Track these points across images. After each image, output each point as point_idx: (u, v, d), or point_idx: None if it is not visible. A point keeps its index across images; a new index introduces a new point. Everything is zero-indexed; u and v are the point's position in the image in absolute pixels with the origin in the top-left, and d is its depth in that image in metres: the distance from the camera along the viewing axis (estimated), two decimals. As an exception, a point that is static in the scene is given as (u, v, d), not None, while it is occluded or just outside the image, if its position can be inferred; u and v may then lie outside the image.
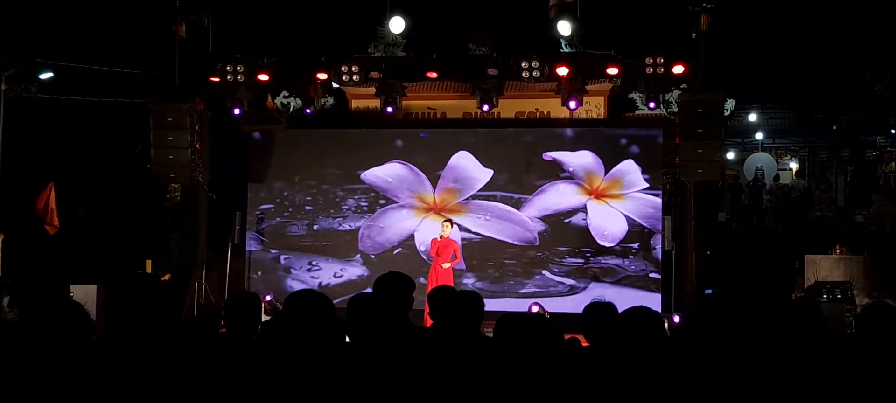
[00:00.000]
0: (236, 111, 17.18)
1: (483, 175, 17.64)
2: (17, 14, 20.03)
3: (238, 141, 18.49)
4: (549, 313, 14.96)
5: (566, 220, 17.41)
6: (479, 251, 17.53)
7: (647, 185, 17.19)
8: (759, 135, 28.68)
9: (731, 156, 27.43)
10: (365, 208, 17.90)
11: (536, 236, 17.45)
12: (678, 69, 16.03)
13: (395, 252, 17.66)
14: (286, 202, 18.14)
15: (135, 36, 20.22)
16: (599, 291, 16.78)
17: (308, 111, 17.43)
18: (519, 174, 17.67)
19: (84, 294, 14.24)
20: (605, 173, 17.35)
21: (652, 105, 16.52)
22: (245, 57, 17.02)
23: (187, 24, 17.08)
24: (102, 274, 16.18)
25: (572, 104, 16.73)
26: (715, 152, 15.95)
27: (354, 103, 18.75)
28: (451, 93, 18.21)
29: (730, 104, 17.00)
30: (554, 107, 17.86)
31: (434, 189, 17.72)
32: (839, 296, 15.49)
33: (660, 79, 16.23)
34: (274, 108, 18.25)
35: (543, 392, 3.93)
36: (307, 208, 18.06)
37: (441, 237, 15.56)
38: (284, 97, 18.16)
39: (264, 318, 5.95)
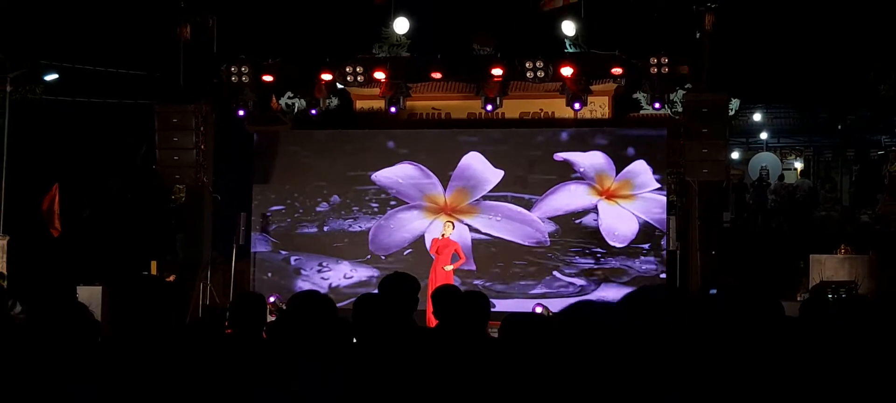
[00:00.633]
0: (241, 112, 17.21)
1: (494, 176, 17.61)
2: (21, 16, 20.05)
3: (243, 142, 18.51)
4: (554, 313, 14.94)
5: (577, 221, 17.38)
6: (490, 252, 17.49)
7: (659, 186, 17.18)
8: (763, 135, 28.63)
9: (735, 155, 27.37)
10: (375, 209, 17.88)
11: (547, 237, 17.43)
12: (683, 69, 16.02)
13: (405, 252, 17.64)
14: (297, 203, 18.13)
15: (139, 37, 20.24)
16: (609, 293, 16.74)
17: (313, 112, 17.45)
18: (523, 174, 17.66)
19: (89, 295, 14.27)
20: (617, 173, 17.32)
21: (657, 105, 16.51)
22: (250, 58, 17.05)
23: (192, 26, 17.10)
24: (107, 276, 16.22)
25: (576, 106, 16.74)
26: (719, 152, 15.94)
27: (359, 104, 18.76)
28: (455, 94, 18.21)
29: (734, 104, 16.98)
30: (558, 108, 17.84)
31: (445, 190, 17.70)
32: (844, 296, 15.46)
33: (664, 79, 16.22)
34: (278, 109, 18.27)
35: (548, 393, 3.92)
36: (317, 209, 18.05)
37: (442, 236, 15.54)
38: (289, 98, 18.18)
39: (269, 319, 5.97)
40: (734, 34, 18.29)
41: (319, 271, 17.86)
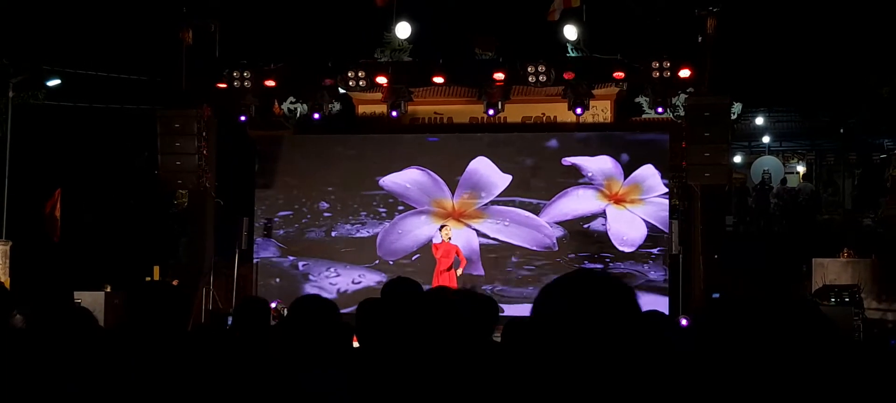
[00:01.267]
0: (242, 117, 17.22)
1: (501, 180, 17.59)
2: (24, 21, 20.08)
3: (245, 147, 18.51)
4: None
5: (585, 225, 17.36)
6: (498, 256, 17.47)
7: (667, 190, 17.16)
8: (765, 139, 28.60)
9: (737, 159, 27.35)
10: (383, 214, 17.86)
11: (555, 241, 17.41)
12: (685, 73, 16.03)
13: (413, 258, 17.61)
14: (305, 209, 18.10)
15: (142, 42, 20.25)
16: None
17: (316, 116, 17.44)
18: (526, 178, 17.65)
19: (92, 300, 14.26)
20: (625, 178, 17.29)
21: (659, 109, 16.51)
22: (252, 63, 17.06)
23: (194, 31, 17.12)
24: (110, 280, 16.22)
25: (578, 110, 16.74)
26: (722, 156, 15.94)
27: (361, 108, 18.77)
28: (458, 98, 18.21)
29: (736, 108, 16.99)
30: (560, 112, 17.84)
31: (453, 195, 17.68)
32: (847, 300, 15.44)
33: (666, 83, 16.22)
34: (281, 114, 18.28)
35: (550, 398, 3.92)
36: (325, 214, 18.03)
37: (442, 241, 15.57)
38: (291, 103, 18.19)
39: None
40: (736, 38, 18.30)
41: (327, 276, 17.83)
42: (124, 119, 21.42)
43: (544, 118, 18.40)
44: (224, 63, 17.15)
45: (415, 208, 17.79)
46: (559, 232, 17.42)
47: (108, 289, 15.90)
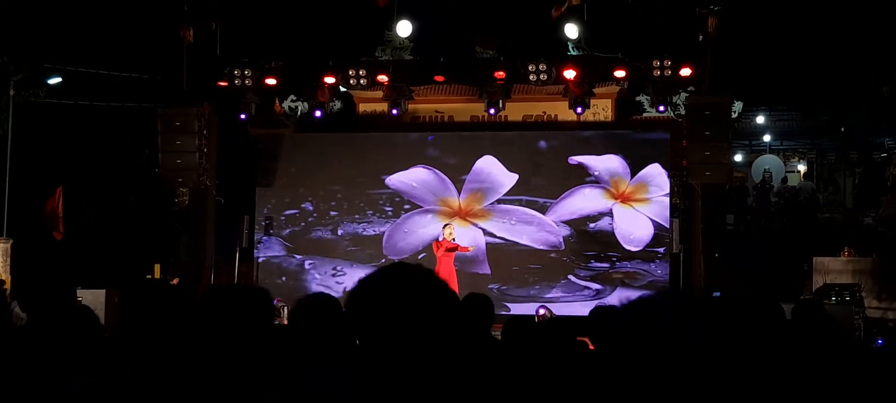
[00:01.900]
0: (243, 116, 17.22)
1: (508, 179, 17.58)
2: (24, 19, 20.08)
3: (246, 145, 18.51)
4: (565, 315, 14.89)
5: (591, 224, 17.33)
6: (504, 256, 17.46)
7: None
8: (766, 138, 28.59)
9: (738, 158, 27.35)
10: (389, 213, 17.85)
11: (561, 240, 17.39)
12: (685, 72, 16.02)
13: (419, 256, 17.58)
14: (310, 207, 18.10)
15: (142, 40, 20.25)
16: (625, 296, 16.62)
17: (317, 114, 17.45)
18: (527, 177, 17.64)
19: (93, 298, 14.26)
20: (631, 177, 17.28)
21: (661, 108, 16.50)
22: (252, 61, 17.06)
23: (195, 29, 17.11)
24: (111, 279, 16.22)
25: (579, 109, 16.74)
26: (723, 155, 15.94)
27: (362, 107, 18.77)
28: (459, 97, 18.21)
29: (737, 106, 16.99)
30: (561, 110, 17.84)
31: (459, 194, 17.67)
32: (848, 299, 15.45)
33: (667, 82, 16.22)
34: (281, 112, 18.28)
35: (550, 395, 3.93)
36: (331, 213, 18.01)
37: (444, 240, 15.56)
38: (292, 101, 18.19)
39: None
40: (737, 36, 18.28)
41: (333, 275, 17.83)
42: (125, 117, 21.42)
43: (545, 117, 18.40)
44: (225, 61, 17.15)
45: (421, 207, 17.78)
46: (565, 231, 17.41)
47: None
